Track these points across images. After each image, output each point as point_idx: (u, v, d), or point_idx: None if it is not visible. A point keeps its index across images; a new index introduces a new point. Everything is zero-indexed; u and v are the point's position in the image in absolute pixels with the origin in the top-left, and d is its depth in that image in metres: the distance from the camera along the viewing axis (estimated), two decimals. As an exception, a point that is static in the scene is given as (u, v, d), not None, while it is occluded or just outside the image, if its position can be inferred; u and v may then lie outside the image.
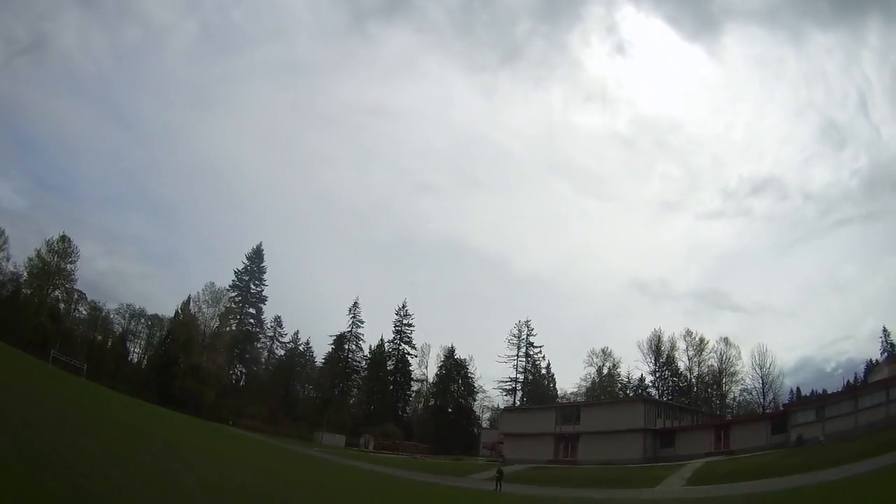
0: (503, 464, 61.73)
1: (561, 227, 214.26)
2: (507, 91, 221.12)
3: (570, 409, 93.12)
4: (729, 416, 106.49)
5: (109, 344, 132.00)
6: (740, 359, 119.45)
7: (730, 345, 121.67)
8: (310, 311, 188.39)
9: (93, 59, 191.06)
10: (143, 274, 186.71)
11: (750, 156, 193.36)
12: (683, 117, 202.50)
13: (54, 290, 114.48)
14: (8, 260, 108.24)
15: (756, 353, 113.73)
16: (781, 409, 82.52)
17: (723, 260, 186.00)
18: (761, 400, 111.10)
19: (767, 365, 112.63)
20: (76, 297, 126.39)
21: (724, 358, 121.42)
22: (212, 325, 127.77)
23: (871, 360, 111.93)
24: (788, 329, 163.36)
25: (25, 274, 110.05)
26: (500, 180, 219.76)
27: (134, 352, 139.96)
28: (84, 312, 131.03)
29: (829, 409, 65.30)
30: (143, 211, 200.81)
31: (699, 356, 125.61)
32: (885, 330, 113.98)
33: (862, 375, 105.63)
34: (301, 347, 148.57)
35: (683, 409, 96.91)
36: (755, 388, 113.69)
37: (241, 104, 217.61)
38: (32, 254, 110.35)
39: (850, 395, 68.15)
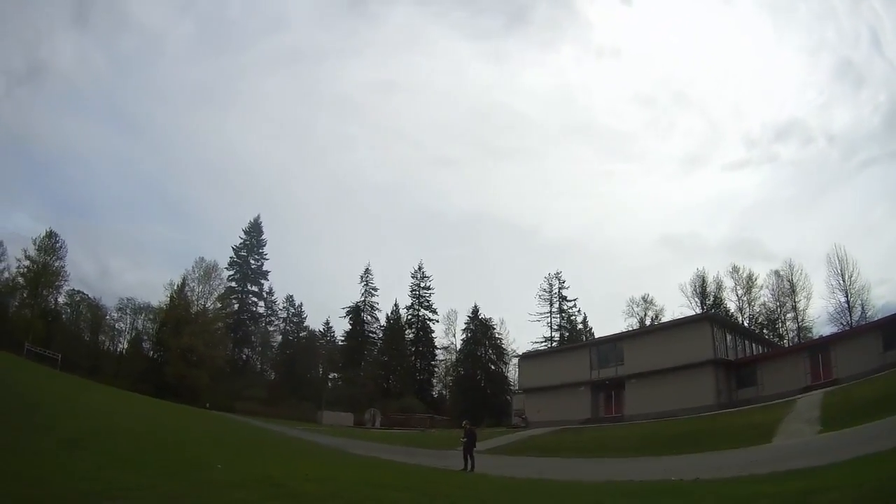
0: (468, 424, 33.64)
1: (587, 191, 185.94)
2: (517, 56, 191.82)
3: (610, 346, 64.39)
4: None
5: (126, 344, 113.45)
6: (794, 294, 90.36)
7: (782, 278, 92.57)
8: (336, 301, 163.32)
9: (93, 75, 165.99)
10: (170, 280, 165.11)
11: (770, 102, 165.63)
12: (700, 69, 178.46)
13: (48, 289, 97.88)
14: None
15: (834, 259, 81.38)
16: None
17: (752, 210, 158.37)
18: (848, 318, 79.07)
19: (850, 275, 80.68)
20: (78, 298, 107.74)
21: (778, 293, 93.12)
22: (205, 303, 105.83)
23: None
24: (822, 276, 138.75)
25: (20, 278, 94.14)
26: (521, 147, 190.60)
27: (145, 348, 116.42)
28: (87, 314, 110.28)
29: None
30: (165, 217, 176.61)
31: (749, 294, 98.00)
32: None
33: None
34: (319, 328, 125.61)
35: (757, 336, 68.13)
36: (837, 303, 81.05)
37: (250, 99, 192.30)
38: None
39: None
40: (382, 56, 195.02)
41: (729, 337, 56.02)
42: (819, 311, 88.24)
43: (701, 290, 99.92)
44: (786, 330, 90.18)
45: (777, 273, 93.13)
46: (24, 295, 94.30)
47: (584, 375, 61.84)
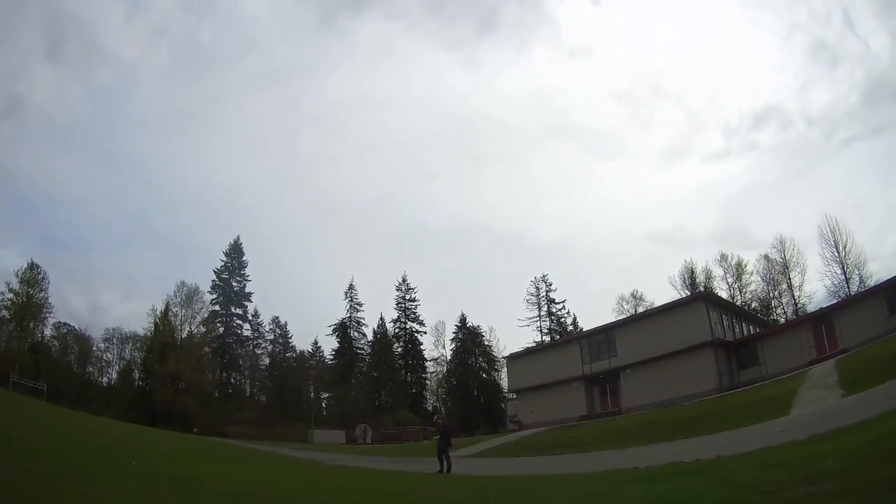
0: (440, 419, 30.98)
1: (571, 191, 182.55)
2: (491, 61, 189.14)
3: (601, 337, 60.26)
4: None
5: (114, 374, 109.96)
6: (788, 270, 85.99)
7: (772, 262, 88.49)
8: (324, 319, 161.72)
9: (71, 109, 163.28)
10: (153, 306, 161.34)
11: (747, 89, 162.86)
12: (675, 60, 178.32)
13: (33, 322, 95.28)
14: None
15: (826, 230, 76.07)
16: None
17: (737, 198, 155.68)
18: (847, 291, 74.79)
19: (845, 244, 75.23)
20: (65, 330, 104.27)
21: (769, 277, 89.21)
22: (189, 328, 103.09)
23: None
24: (815, 252, 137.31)
25: (5, 311, 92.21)
26: (502, 152, 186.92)
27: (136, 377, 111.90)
28: (75, 346, 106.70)
29: None
30: (152, 246, 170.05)
31: (740, 281, 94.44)
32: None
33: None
34: (308, 348, 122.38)
35: (753, 316, 64.93)
36: (834, 275, 75.70)
37: (230, 123, 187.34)
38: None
39: None
40: (357, 71, 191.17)
41: (725, 318, 52.67)
42: (815, 286, 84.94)
43: (690, 281, 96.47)
44: (783, 310, 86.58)
45: (766, 257, 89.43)
46: (11, 328, 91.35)
47: (577, 370, 58.34)
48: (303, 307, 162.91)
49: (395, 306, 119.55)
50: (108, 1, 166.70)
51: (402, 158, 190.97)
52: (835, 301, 64.38)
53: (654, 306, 63.75)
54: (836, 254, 74.06)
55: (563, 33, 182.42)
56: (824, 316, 47.78)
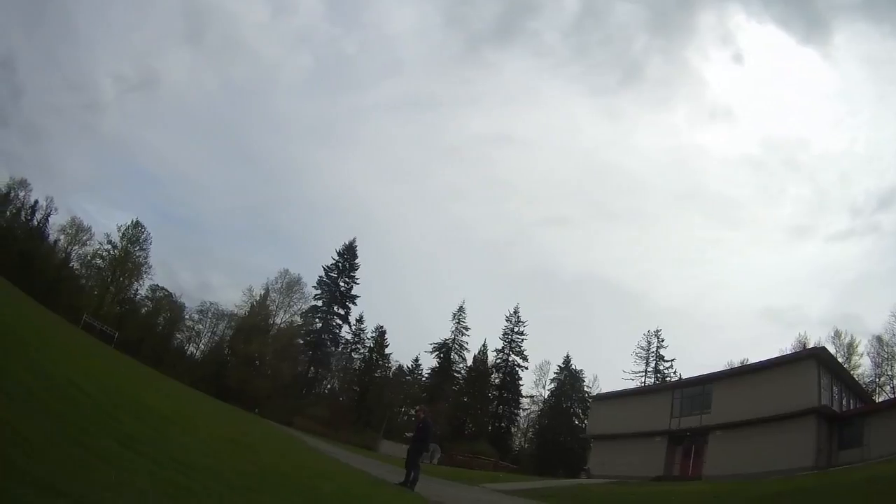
0: (422, 411, 22.46)
1: (694, 258, 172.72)
2: (632, 114, 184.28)
3: (696, 389, 51.06)
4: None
5: (202, 346, 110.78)
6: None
7: (884, 343, 78.03)
8: (429, 337, 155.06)
9: (205, 96, 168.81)
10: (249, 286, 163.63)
11: (874, 168, 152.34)
12: (808, 132, 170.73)
13: (127, 277, 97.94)
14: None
15: None
16: None
17: (854, 283, 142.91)
18: None
19: None
20: (160, 294, 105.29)
21: (879, 360, 78.72)
22: (284, 315, 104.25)
23: None
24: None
25: (98, 259, 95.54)
26: (631, 209, 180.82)
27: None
28: (168, 311, 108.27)
29: None
30: (271, 244, 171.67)
31: (849, 363, 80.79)
32: None
33: None
34: (408, 363, 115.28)
35: (864, 392, 56.19)
36: None
37: (367, 140, 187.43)
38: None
39: None
40: (499, 107, 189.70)
41: (836, 387, 42.82)
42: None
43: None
44: (892, 390, 75.10)
45: (879, 338, 78.64)
46: (104, 277, 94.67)
47: (663, 424, 50.41)
48: (409, 323, 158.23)
49: (502, 336, 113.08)
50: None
51: (534, 201, 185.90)
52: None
53: (762, 360, 52.38)
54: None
55: (706, 93, 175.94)
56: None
